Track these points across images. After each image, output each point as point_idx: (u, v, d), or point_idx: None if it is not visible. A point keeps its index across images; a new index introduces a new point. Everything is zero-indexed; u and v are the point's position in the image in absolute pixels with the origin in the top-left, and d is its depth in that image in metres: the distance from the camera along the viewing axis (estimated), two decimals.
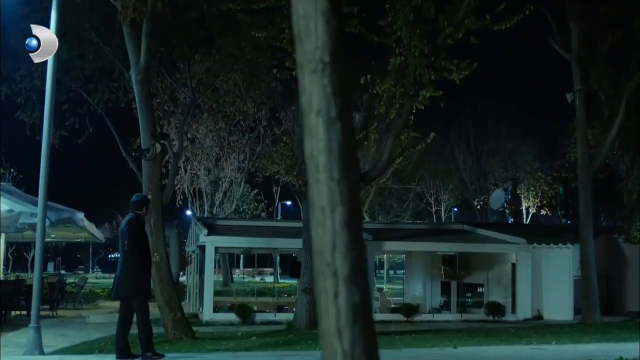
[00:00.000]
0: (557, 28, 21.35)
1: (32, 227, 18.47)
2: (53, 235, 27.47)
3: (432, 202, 57.37)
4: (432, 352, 12.62)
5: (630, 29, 20.78)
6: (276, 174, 49.17)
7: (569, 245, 22.18)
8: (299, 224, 24.52)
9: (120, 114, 24.16)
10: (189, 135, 36.89)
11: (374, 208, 56.45)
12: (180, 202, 43.60)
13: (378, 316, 21.64)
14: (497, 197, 30.48)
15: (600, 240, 23.89)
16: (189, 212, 50.95)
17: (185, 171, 42.03)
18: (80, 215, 24.31)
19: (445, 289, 26.35)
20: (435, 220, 54.62)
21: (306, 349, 12.54)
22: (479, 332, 17.41)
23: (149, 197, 14.69)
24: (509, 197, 30.66)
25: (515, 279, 22.45)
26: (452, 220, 55.12)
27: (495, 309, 21.92)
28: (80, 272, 78.65)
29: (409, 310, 21.69)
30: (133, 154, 23.08)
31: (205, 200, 44.48)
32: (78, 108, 23.83)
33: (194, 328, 18.78)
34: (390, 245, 22.99)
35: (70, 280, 31.96)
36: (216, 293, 29.52)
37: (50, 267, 67.41)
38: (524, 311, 22.15)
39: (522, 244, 22.39)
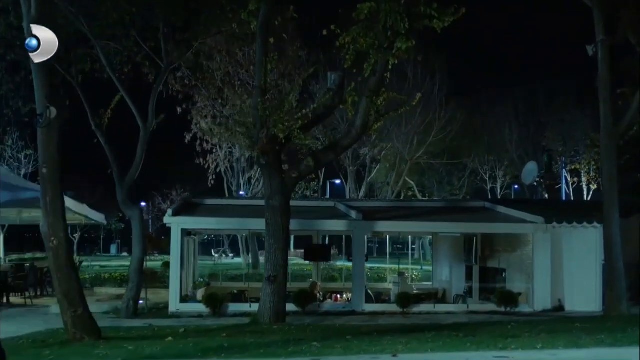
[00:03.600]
0: None
1: None
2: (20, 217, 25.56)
3: (487, 179, 53.82)
4: None
5: None
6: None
7: (595, 224, 18.87)
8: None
9: (94, 86, 21.90)
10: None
11: (433, 186, 53.49)
12: (213, 182, 41.06)
13: (370, 307, 19.00)
14: (530, 171, 27.10)
15: (638, 220, 20.47)
16: (242, 193, 49.28)
17: (221, 148, 39.78)
18: None
19: (469, 274, 23.52)
20: (490, 197, 51.27)
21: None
22: (463, 328, 14.59)
23: (44, 171, 12.47)
24: (543, 170, 27.33)
25: (533, 263, 19.36)
26: (512, 198, 51.56)
27: (508, 299, 18.90)
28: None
29: (404, 300, 18.85)
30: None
31: (233, 178, 42.41)
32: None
33: (156, 321, 16.71)
34: (382, 225, 20.15)
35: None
36: (228, 278, 27.38)
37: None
38: (543, 301, 19.07)
39: (539, 223, 19.23)
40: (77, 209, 23.23)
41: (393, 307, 18.89)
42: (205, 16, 20.38)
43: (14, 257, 48.81)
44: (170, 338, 12.45)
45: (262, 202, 23.23)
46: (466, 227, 20.26)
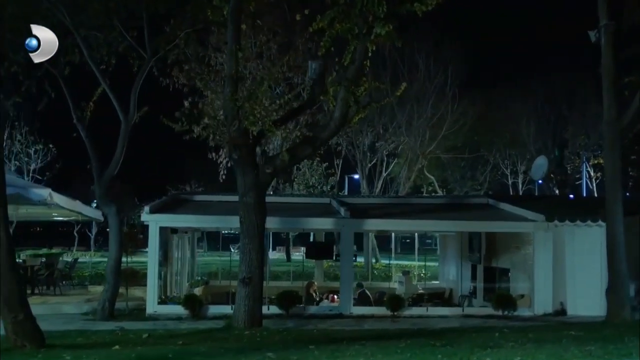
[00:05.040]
0: None
1: None
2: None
3: (508, 174, 52.29)
4: None
5: None
6: (337, 145, 45.72)
7: (600, 222, 17.60)
8: (273, 200, 21.20)
9: (79, 78, 21.03)
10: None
11: (456, 181, 52.22)
12: (224, 177, 39.81)
13: (358, 310, 17.98)
14: (539, 166, 25.77)
15: None
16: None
17: None
18: (41, 191, 21.62)
19: (474, 274, 22.48)
20: (512, 193, 49.88)
21: None
22: (447, 335, 13.54)
23: None
24: (554, 165, 26.00)
25: (533, 264, 18.20)
26: (536, 194, 50.12)
27: (505, 302, 17.76)
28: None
29: (395, 303, 17.78)
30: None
31: None
32: (34, 70, 20.90)
33: (129, 324, 15.89)
34: (371, 224, 19.11)
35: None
36: (231, 276, 26.41)
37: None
38: (543, 304, 17.91)
39: (539, 221, 18.05)
40: (68, 206, 22.49)
41: (383, 310, 17.82)
42: (189, 4, 19.49)
43: (29, 252, 48.70)
44: (117, 347, 11.54)
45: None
46: (461, 225, 19.16)
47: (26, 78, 20.69)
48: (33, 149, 42.81)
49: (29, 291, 22.91)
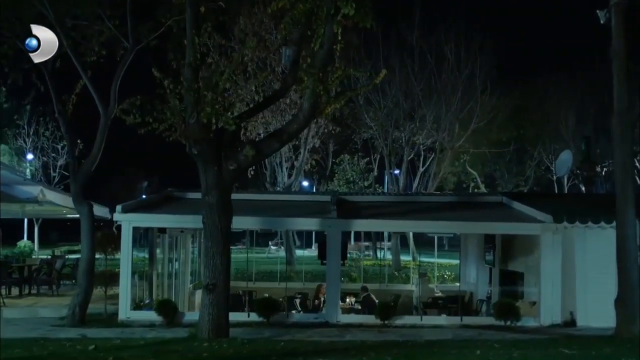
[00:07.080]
0: None
1: None
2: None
3: (553, 169, 49.96)
4: None
5: None
6: (373, 139, 44.14)
7: (615, 224, 15.77)
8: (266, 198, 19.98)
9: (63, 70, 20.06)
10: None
11: (503, 175, 50.24)
12: (252, 174, 38.67)
13: (346, 318, 16.55)
14: (564, 161, 23.87)
15: None
16: (305, 184, 46.60)
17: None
18: (31, 189, 20.83)
19: (490, 278, 20.92)
20: (556, 190, 47.67)
21: None
22: (423, 352, 12.09)
23: None
24: (579, 161, 24.07)
25: (540, 269, 16.52)
26: (584, 191, 47.76)
27: (507, 311, 16.10)
28: None
29: (385, 311, 16.29)
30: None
31: (265, 169, 39.99)
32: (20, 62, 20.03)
33: (95, 331, 14.85)
34: (359, 224, 17.63)
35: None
36: (244, 277, 25.29)
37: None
38: (550, 314, 16.24)
39: (547, 222, 16.34)
40: (65, 203, 21.64)
41: (372, 319, 16.35)
42: None
43: (64, 248, 48.47)
44: None
45: (256, 197, 21.20)
46: (459, 227, 17.53)
47: (12, 70, 19.87)
48: (60, 145, 42.36)
49: (25, 292, 22.25)
